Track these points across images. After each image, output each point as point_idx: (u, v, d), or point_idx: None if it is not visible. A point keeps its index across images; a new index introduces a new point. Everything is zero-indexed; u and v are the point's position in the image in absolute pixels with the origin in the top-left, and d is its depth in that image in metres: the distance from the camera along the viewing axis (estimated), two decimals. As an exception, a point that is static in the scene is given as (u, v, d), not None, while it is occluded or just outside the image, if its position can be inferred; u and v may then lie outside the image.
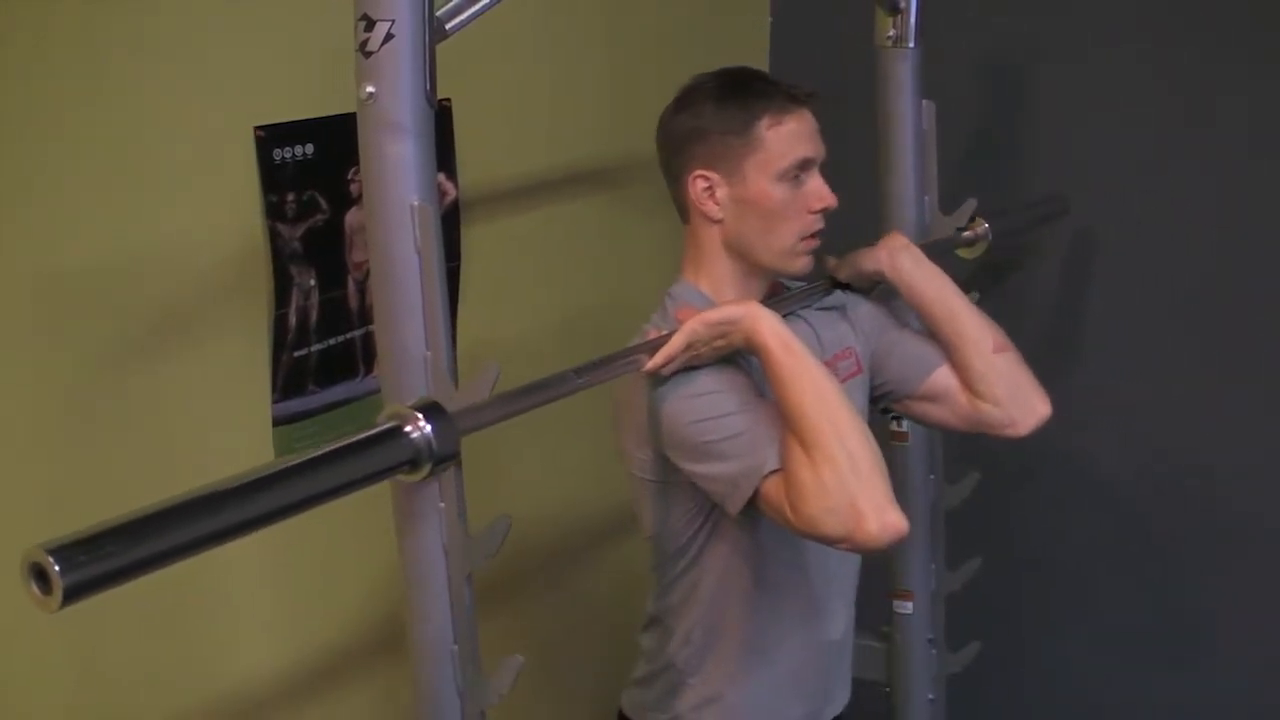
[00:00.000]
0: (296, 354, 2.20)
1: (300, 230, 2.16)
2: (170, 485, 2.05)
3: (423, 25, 1.46)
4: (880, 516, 1.63)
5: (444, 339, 1.50)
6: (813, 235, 1.89)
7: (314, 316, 2.21)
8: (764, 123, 1.83)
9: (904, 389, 2.07)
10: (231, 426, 2.15)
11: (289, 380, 2.20)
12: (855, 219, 2.37)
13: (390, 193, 1.48)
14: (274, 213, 2.12)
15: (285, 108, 2.11)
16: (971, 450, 2.52)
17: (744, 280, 1.91)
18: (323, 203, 2.19)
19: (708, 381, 1.77)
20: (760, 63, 3.10)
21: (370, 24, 1.45)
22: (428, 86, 1.48)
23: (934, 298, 2.05)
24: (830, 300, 2.07)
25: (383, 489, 1.52)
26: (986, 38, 2.78)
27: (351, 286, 2.26)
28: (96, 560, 1.13)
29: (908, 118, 2.27)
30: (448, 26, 1.52)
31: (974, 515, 2.53)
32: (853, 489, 1.63)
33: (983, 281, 2.33)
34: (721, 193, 1.86)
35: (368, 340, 2.27)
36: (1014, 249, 2.69)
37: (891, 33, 2.24)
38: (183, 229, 2.03)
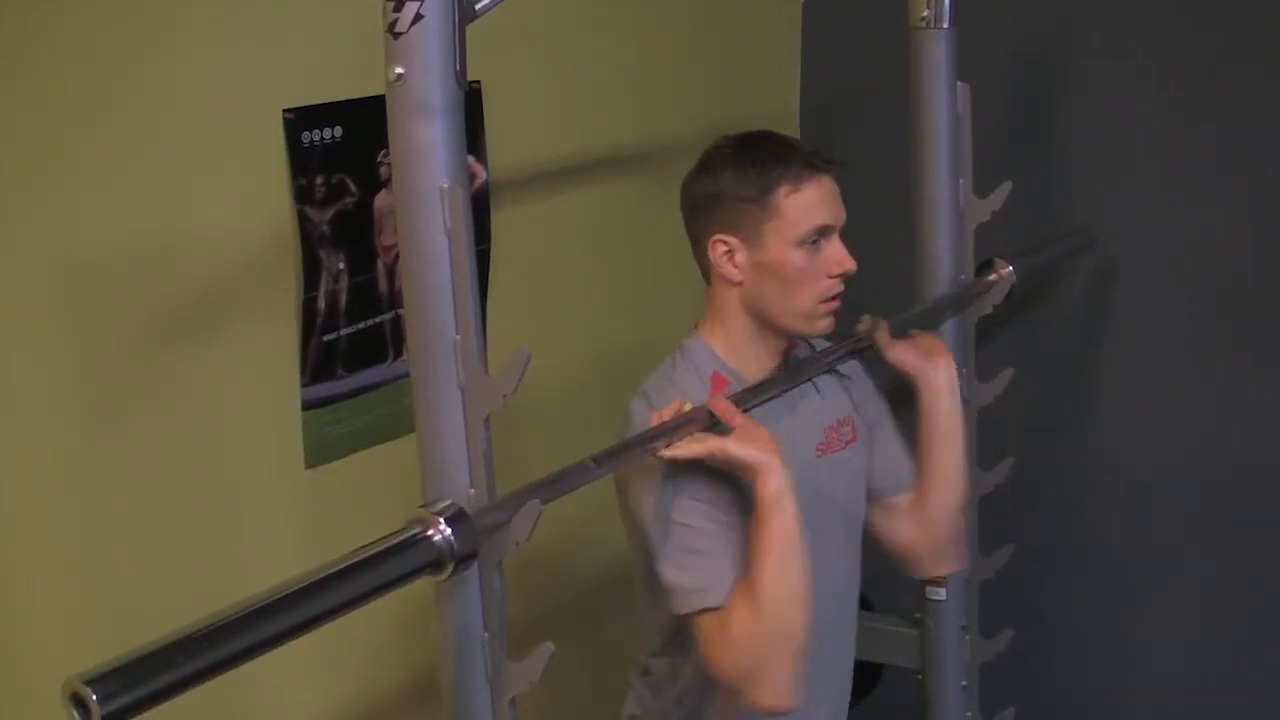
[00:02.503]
0: (325, 338, 2.19)
1: (329, 213, 2.15)
2: (200, 471, 2.07)
3: (452, 6, 1.44)
4: (774, 698, 1.72)
5: (474, 323, 1.49)
6: (833, 298, 1.89)
7: (343, 300, 2.20)
8: (782, 190, 1.83)
9: (869, 485, 2.07)
10: (261, 411, 2.15)
11: (318, 364, 2.19)
12: (890, 204, 2.37)
13: (420, 175, 1.47)
14: (303, 196, 2.11)
15: (314, 90, 2.10)
16: (1004, 437, 2.50)
17: (761, 339, 1.92)
18: (352, 186, 2.18)
19: (705, 489, 1.79)
20: (793, 44, 3.08)
21: (399, 4, 1.43)
22: (457, 68, 1.46)
23: (944, 431, 2.07)
24: (850, 369, 2.07)
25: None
26: (1023, 19, 2.75)
27: (381, 270, 2.25)
28: (132, 688, 1.20)
29: (942, 100, 2.25)
30: (477, 7, 1.50)
31: (1008, 502, 2.51)
32: (770, 659, 1.71)
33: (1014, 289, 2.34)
34: (741, 257, 1.86)
35: (397, 324, 2.26)
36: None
37: (925, 13, 2.22)
38: (211, 213, 2.02)
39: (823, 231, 1.85)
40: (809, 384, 1.99)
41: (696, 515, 1.79)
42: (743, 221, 1.84)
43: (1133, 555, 2.83)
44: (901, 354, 2.07)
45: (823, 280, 1.86)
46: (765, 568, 1.71)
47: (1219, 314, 2.64)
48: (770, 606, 1.70)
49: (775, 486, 1.72)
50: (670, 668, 1.95)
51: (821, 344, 2.05)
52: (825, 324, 1.90)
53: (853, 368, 2.08)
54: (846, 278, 1.89)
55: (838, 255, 1.87)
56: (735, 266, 1.87)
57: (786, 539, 1.72)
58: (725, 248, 1.86)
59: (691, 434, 1.74)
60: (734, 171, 1.85)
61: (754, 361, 1.92)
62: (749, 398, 1.85)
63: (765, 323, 1.90)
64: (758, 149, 1.86)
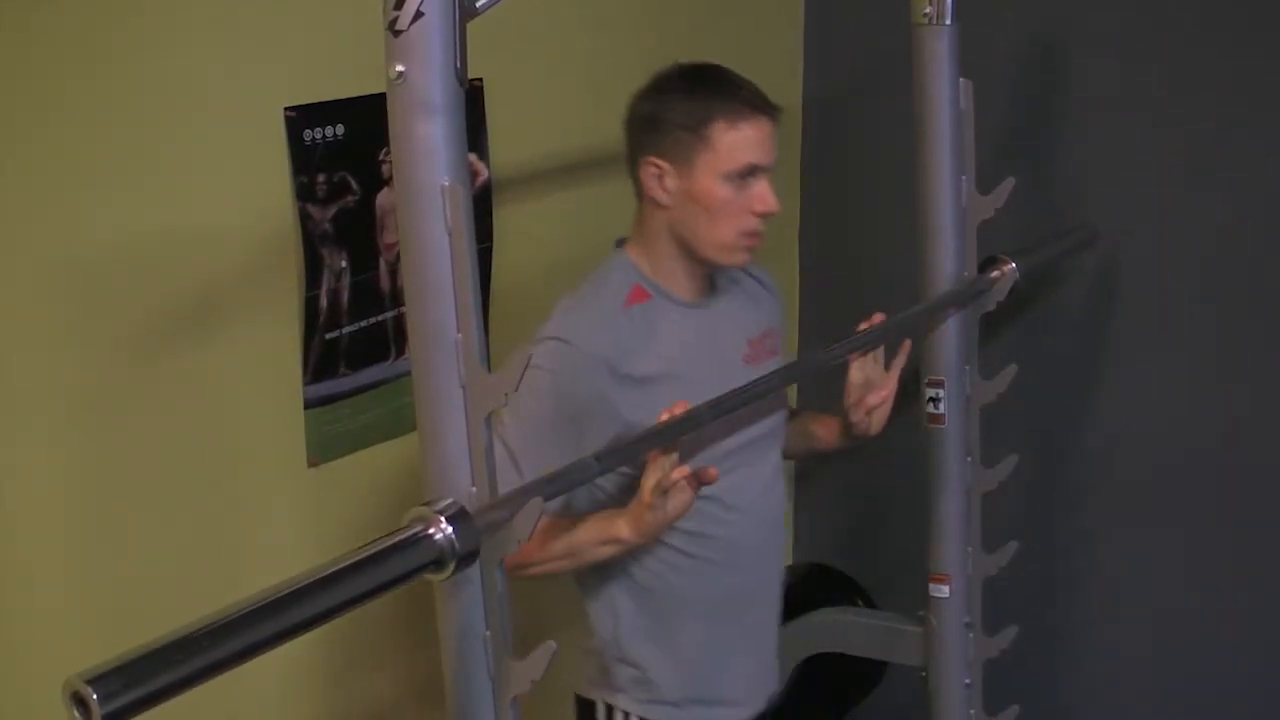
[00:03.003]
0: (328, 336, 2.19)
1: (331, 211, 2.15)
2: (202, 470, 2.07)
3: (452, 3, 1.44)
4: None
5: (475, 321, 1.49)
6: (752, 234, 1.95)
7: (345, 298, 2.20)
8: (719, 124, 1.89)
9: None
10: (263, 410, 2.15)
11: (320, 363, 2.19)
12: (893, 201, 2.36)
13: (420, 173, 1.47)
14: (304, 194, 2.11)
15: (315, 88, 2.10)
16: (1007, 434, 2.50)
17: (683, 261, 1.98)
18: (354, 184, 2.18)
19: (546, 405, 1.86)
20: (795, 41, 3.07)
21: (400, 2, 1.43)
22: (458, 65, 1.46)
23: (817, 446, 2.27)
24: (763, 278, 2.18)
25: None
26: (1025, 15, 2.74)
27: (383, 268, 2.25)
28: (133, 687, 1.20)
29: (944, 96, 2.24)
30: (478, 5, 1.49)
31: (1011, 499, 2.50)
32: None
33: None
34: (670, 182, 1.92)
35: (399, 322, 2.26)
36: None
37: (928, 9, 2.21)
38: (213, 211, 2.02)
39: (752, 170, 1.91)
40: (735, 297, 2.09)
41: (538, 425, 1.87)
42: (677, 148, 1.90)
43: (1136, 553, 2.83)
44: (862, 384, 2.14)
45: (745, 216, 1.92)
46: (556, 553, 1.89)
47: (1222, 312, 2.63)
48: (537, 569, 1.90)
49: (630, 537, 1.85)
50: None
51: (759, 271, 2.16)
52: (742, 257, 1.98)
53: (768, 278, 2.19)
54: (768, 218, 1.95)
55: (763, 195, 1.92)
56: (664, 190, 1.93)
57: (578, 557, 1.90)
58: (656, 171, 1.92)
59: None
60: (676, 99, 1.92)
61: (675, 280, 2.00)
62: (671, 306, 1.97)
63: (686, 249, 1.96)
64: (703, 81, 1.93)
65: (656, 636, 2.05)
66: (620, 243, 2.06)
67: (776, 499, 2.16)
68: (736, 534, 2.04)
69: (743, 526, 2.05)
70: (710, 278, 2.05)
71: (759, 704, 2.18)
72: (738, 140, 1.89)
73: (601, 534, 1.89)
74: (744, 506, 2.04)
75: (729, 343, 2.06)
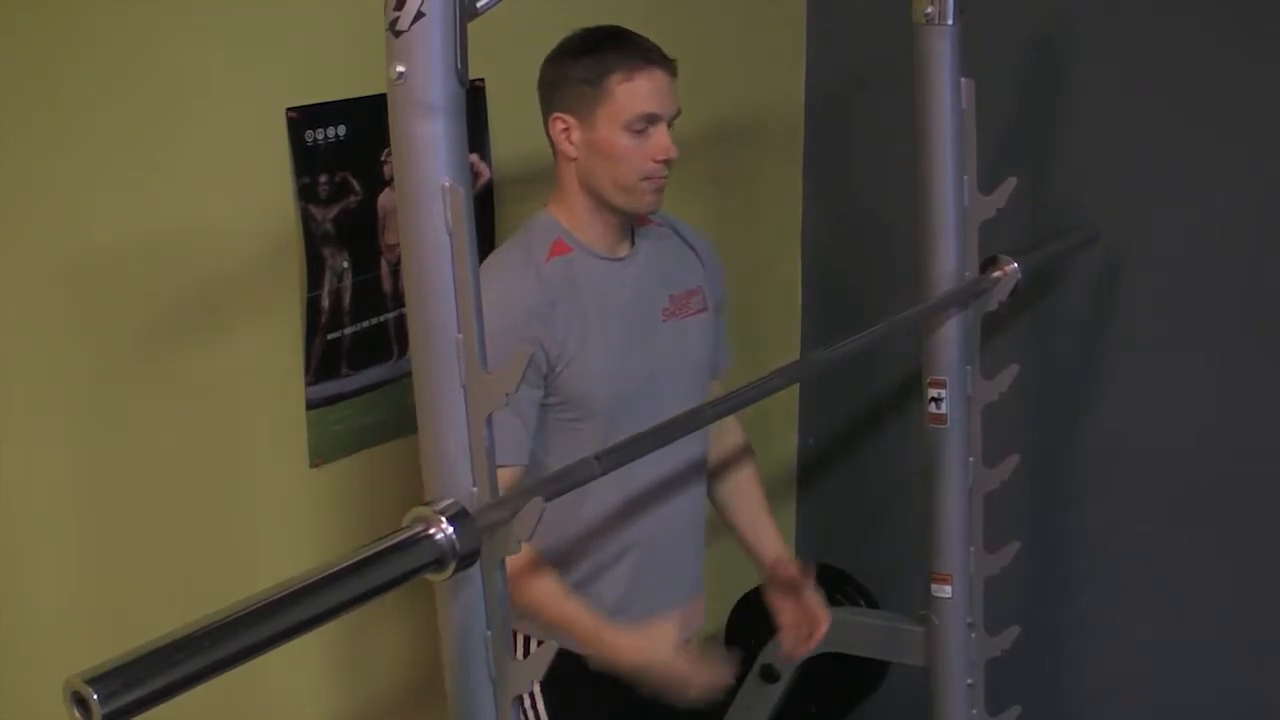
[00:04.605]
0: (330, 337, 2.19)
1: (333, 212, 2.15)
2: (204, 470, 2.07)
3: (453, 3, 1.44)
4: None
5: (475, 321, 1.49)
6: (654, 178, 2.03)
7: (347, 299, 2.21)
8: (615, 77, 1.98)
9: None
10: (265, 410, 2.15)
11: (322, 363, 2.19)
12: (896, 198, 2.36)
13: (421, 173, 1.47)
14: (306, 195, 2.11)
15: (317, 89, 2.10)
16: (1009, 434, 2.49)
17: (599, 213, 2.06)
18: (355, 184, 2.18)
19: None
20: (797, 40, 3.07)
21: (400, 2, 1.43)
22: (459, 65, 1.46)
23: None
24: (692, 239, 2.23)
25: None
26: (1028, 14, 2.74)
27: (385, 269, 2.25)
28: (134, 687, 1.20)
29: (946, 96, 2.24)
30: (479, 5, 1.49)
31: (1013, 499, 2.50)
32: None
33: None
34: (576, 135, 2.02)
35: (401, 323, 2.25)
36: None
37: (929, 9, 2.20)
38: (215, 212, 2.02)
39: (650, 119, 2.00)
40: (658, 253, 2.16)
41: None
42: (579, 103, 2.00)
43: (1140, 552, 2.82)
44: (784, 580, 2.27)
45: (647, 163, 2.01)
46: (543, 615, 1.99)
47: (1223, 311, 2.63)
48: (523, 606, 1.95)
49: (626, 654, 1.99)
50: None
51: (694, 237, 2.24)
52: (650, 200, 2.05)
53: (707, 252, 2.25)
54: (670, 164, 2.03)
55: (662, 143, 2.01)
56: (571, 143, 2.02)
57: (562, 628, 1.98)
58: (563, 125, 2.02)
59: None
60: (577, 58, 2.02)
61: (593, 233, 2.07)
62: (591, 259, 2.04)
63: (597, 198, 2.04)
64: (602, 39, 2.02)
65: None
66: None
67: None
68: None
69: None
70: (630, 232, 2.12)
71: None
72: (634, 91, 1.98)
73: (595, 642, 2.00)
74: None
75: (649, 296, 2.12)
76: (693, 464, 2.19)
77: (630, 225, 2.12)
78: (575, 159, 2.03)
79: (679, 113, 2.04)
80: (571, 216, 2.06)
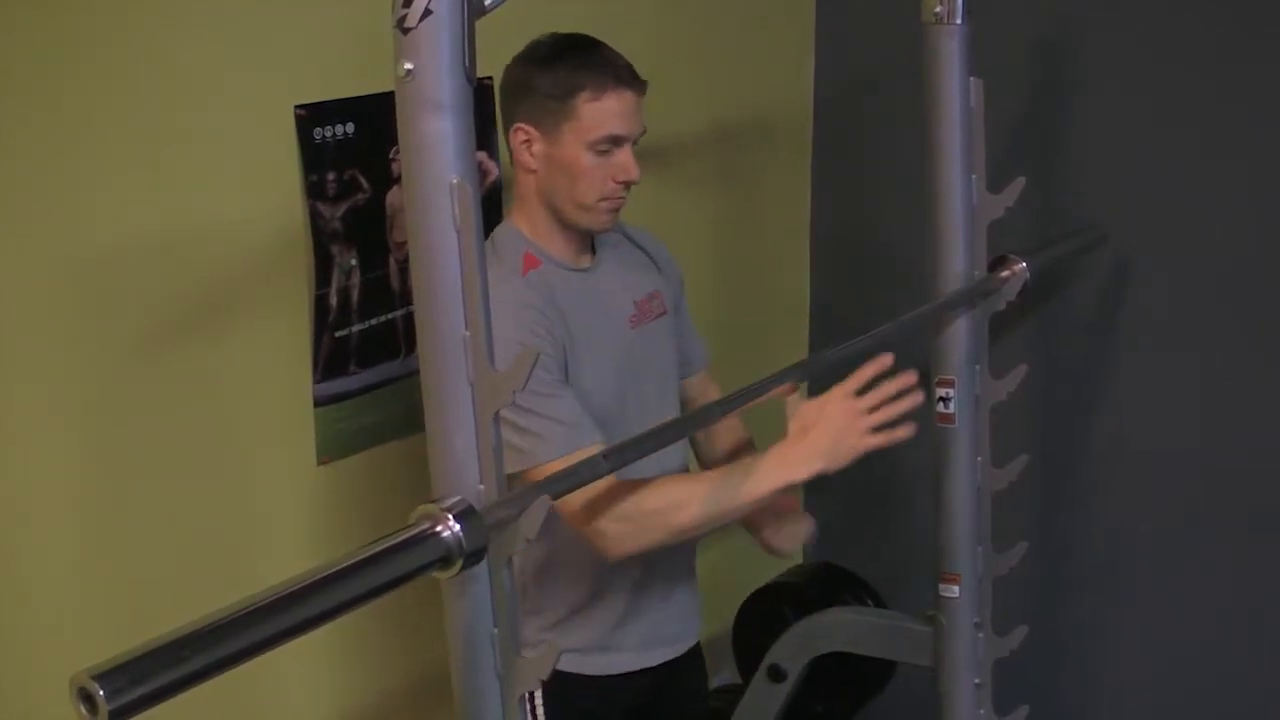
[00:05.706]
0: (338, 334, 2.19)
1: (341, 210, 2.15)
2: (212, 467, 2.08)
3: (461, 1, 1.44)
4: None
5: (483, 319, 1.49)
6: (613, 198, 2.01)
7: (355, 297, 2.21)
8: (584, 95, 1.94)
9: None
10: (273, 407, 2.15)
11: (330, 361, 2.19)
12: (903, 199, 2.36)
13: (429, 171, 1.46)
14: (315, 192, 2.11)
15: (326, 86, 2.10)
16: (1018, 434, 2.49)
17: (558, 228, 2.04)
18: (364, 182, 2.18)
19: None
20: (805, 40, 3.07)
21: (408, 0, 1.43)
22: (467, 63, 1.45)
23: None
24: (642, 242, 2.23)
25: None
26: (1037, 14, 2.74)
27: (393, 266, 2.25)
28: (140, 684, 1.20)
29: (955, 95, 2.23)
30: (487, 2, 1.49)
31: (1022, 499, 2.50)
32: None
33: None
34: (537, 148, 1.98)
35: (409, 320, 2.26)
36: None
37: (939, 8, 2.20)
38: (223, 209, 2.03)
39: (615, 140, 1.97)
40: (616, 262, 2.15)
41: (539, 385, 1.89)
42: (544, 116, 1.96)
43: (1147, 552, 2.82)
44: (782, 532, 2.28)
45: (608, 183, 1.99)
46: (695, 502, 1.90)
47: (1232, 311, 2.63)
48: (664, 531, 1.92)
49: (788, 479, 1.90)
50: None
51: (643, 238, 2.23)
52: (605, 220, 2.03)
53: (659, 251, 2.25)
54: (632, 186, 2.01)
55: (625, 164, 1.99)
56: (531, 155, 1.99)
57: (732, 503, 1.89)
58: (525, 137, 1.98)
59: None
60: (544, 68, 1.97)
61: (556, 244, 2.05)
62: (560, 271, 2.03)
63: (555, 212, 2.02)
64: (572, 53, 1.98)
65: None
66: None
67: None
68: None
69: None
70: (590, 242, 2.11)
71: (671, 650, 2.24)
72: (602, 111, 1.95)
73: (779, 477, 1.91)
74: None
75: (615, 305, 2.11)
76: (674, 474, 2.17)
77: (590, 236, 2.10)
78: (534, 171, 2.00)
79: (644, 132, 2.02)
80: (535, 229, 2.04)
